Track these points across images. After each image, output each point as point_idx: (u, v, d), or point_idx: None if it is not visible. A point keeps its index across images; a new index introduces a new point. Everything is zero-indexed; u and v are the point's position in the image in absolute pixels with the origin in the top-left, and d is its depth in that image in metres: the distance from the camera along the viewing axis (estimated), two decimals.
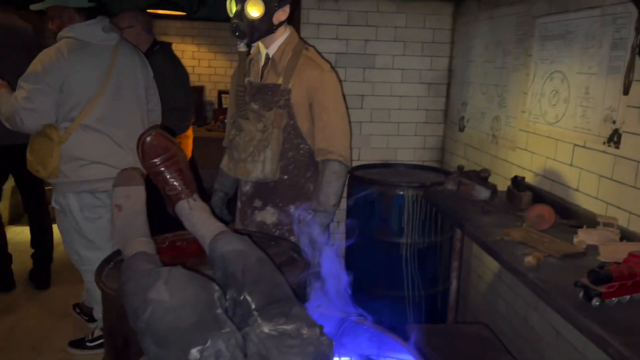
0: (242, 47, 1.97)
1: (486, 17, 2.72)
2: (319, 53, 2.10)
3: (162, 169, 1.44)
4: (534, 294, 1.43)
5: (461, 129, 3.02)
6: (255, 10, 1.91)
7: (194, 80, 5.71)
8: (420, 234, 2.75)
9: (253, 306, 1.10)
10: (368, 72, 3.12)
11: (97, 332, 2.78)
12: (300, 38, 2.11)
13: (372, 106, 3.15)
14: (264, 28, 1.96)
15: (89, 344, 2.76)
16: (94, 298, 2.64)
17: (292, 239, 2.11)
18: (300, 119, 2.05)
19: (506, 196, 2.14)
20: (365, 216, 2.84)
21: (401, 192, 2.71)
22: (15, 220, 4.65)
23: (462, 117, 3.00)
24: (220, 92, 5.62)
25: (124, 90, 2.47)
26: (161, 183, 1.45)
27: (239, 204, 2.27)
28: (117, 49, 2.46)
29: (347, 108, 2.11)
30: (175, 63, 3.31)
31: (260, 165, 2.03)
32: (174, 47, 5.74)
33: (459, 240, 2.26)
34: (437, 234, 2.80)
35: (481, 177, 2.20)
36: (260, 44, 2.07)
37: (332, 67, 2.07)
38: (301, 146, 2.09)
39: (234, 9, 1.94)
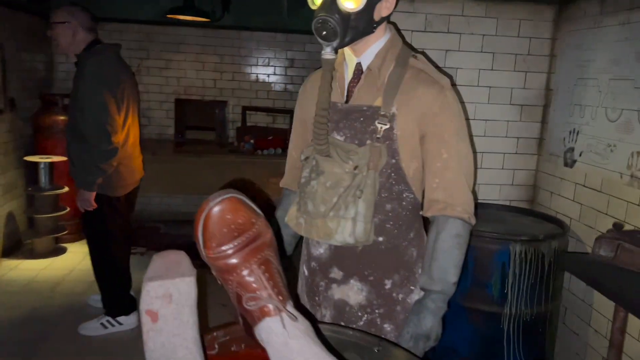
0: (328, 53, 1.34)
1: (616, 22, 2.10)
2: (434, 63, 1.47)
3: (235, 260, 0.81)
4: None
5: (569, 164, 2.38)
6: (350, 1, 1.30)
7: (215, 95, 5.12)
8: (527, 302, 2.11)
9: None
10: None
11: None
12: (405, 42, 1.49)
13: None
14: (361, 26, 1.34)
15: None
16: None
17: (387, 327, 1.48)
18: (406, 157, 1.41)
19: None
20: None
21: (504, 248, 2.08)
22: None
23: (571, 149, 2.36)
24: (244, 109, 5.01)
25: None
26: (234, 286, 0.81)
27: (304, 271, 1.62)
28: None
29: (472, 141, 1.49)
30: (99, 69, 2.74)
31: (350, 224, 1.39)
32: (194, 58, 5.19)
33: (619, 330, 1.60)
34: (548, 302, 2.16)
35: None
36: (347, 50, 1.45)
37: (453, 83, 1.44)
38: (404, 195, 1.45)
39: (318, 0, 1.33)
